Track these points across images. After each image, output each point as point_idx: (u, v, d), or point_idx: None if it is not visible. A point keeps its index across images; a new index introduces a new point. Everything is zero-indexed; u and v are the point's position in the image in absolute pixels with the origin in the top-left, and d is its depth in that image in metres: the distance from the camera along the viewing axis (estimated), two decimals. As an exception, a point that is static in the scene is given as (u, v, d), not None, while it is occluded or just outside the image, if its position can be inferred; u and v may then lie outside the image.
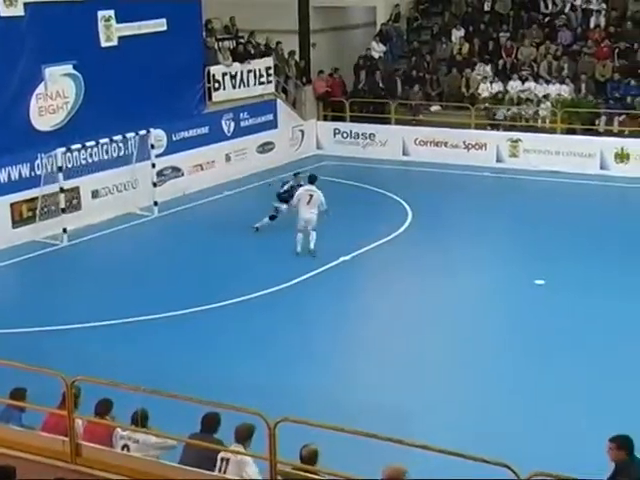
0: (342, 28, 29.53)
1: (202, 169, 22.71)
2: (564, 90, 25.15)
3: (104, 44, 20.24)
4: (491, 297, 15.08)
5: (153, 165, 20.58)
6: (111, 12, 20.24)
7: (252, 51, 24.97)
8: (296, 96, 26.71)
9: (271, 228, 18.25)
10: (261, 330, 13.62)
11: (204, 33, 23.81)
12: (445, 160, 24.13)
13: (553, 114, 24.59)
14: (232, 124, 23.78)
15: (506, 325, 13.84)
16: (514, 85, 25.95)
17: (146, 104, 20.54)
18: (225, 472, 7.61)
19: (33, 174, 18.65)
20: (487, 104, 25.75)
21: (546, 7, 28.31)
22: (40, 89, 18.92)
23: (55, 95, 19.23)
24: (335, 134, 26.38)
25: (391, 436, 6.99)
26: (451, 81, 26.96)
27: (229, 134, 23.72)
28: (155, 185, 20.60)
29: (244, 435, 7.75)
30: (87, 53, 19.64)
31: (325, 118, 27.12)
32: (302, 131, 26.08)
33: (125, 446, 8.16)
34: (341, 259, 16.61)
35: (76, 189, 19.45)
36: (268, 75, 24.95)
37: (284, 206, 17.90)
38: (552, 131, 24.34)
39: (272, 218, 18.15)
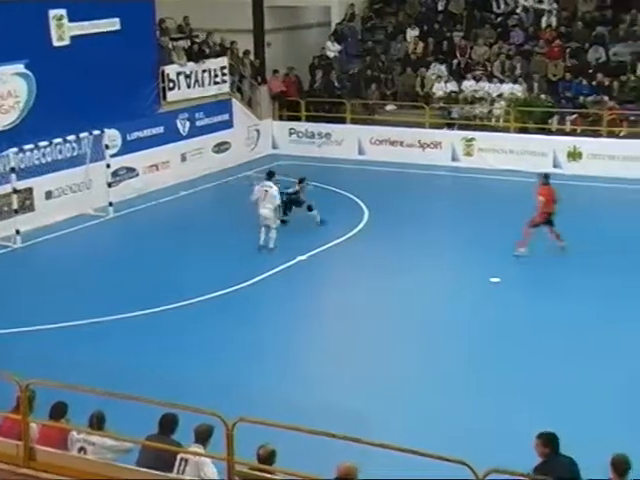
0: (297, 28, 29.54)
1: (157, 169, 22.58)
2: (517, 89, 25.45)
3: (56, 43, 20.02)
4: (447, 295, 15.19)
5: (108, 165, 20.41)
6: (63, 11, 20.03)
7: (207, 51, 24.88)
8: (251, 96, 26.65)
9: (227, 227, 18.22)
10: (217, 330, 13.58)
11: (158, 33, 23.66)
12: (401, 159, 24.25)
13: (507, 113, 24.86)
14: (187, 124, 23.67)
15: (461, 323, 13.94)
16: (468, 84, 26.18)
17: (100, 104, 20.34)
18: (183, 472, 7.58)
19: (-16, 175, 18.41)
20: (442, 103, 25.95)
21: (498, 7, 28.61)
22: (-9, 89, 18.67)
23: (6, 95, 18.97)
24: (291, 134, 26.40)
25: (349, 435, 7.01)
26: (406, 80, 27.13)
27: (184, 134, 23.60)
28: (110, 185, 20.42)
29: (203, 436, 7.74)
30: (39, 52, 19.39)
31: (281, 118, 27.11)
32: (258, 131, 26.05)
33: (82, 449, 8.09)
34: (298, 258, 16.63)
35: (29, 190, 19.21)
36: (223, 75, 24.88)
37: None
38: (506, 130, 24.59)
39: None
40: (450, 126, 25.36)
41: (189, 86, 23.85)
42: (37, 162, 19.44)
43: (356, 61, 28.26)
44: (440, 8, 29.35)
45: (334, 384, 11.76)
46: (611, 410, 10.66)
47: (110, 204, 20.09)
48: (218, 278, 15.55)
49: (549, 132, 24.22)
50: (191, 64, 23.93)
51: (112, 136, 20.80)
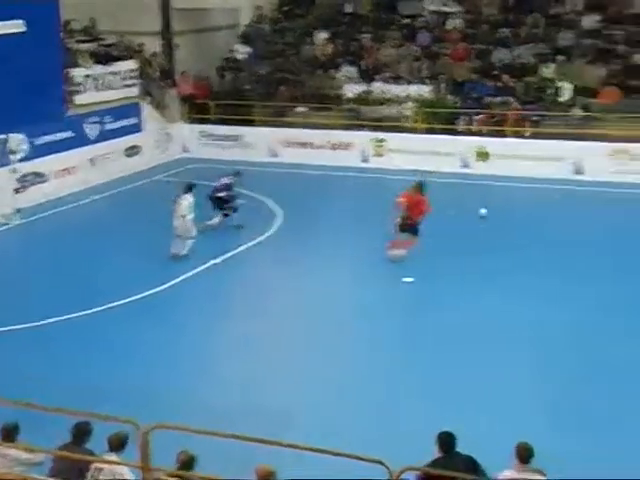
0: (205, 30, 29.40)
1: (67, 174, 22.17)
2: (424, 90, 25.86)
3: (-43, 45, 19.44)
4: (361, 295, 15.31)
5: (14, 170, 19.94)
6: (-37, 12, 19.46)
7: (114, 53, 24.55)
8: (161, 98, 26.42)
9: (140, 231, 18.04)
10: (132, 335, 13.42)
11: (63, 34, 23.19)
12: (312, 161, 24.40)
13: (415, 114, 25.24)
14: (96, 127, 23.31)
15: (376, 322, 14.07)
16: (377, 86, 26.49)
17: (4, 108, 19.80)
18: (97, 481, 7.50)
19: None
20: (352, 105, 26.19)
21: (405, 9, 29.00)
22: None
23: None
24: (201, 136, 26.27)
25: (265, 438, 7.05)
26: (316, 82, 27.28)
27: (93, 138, 23.25)
28: (17, 191, 19.96)
29: (117, 444, 7.67)
30: (-61, 55, 18.79)
31: (191, 120, 26.94)
32: (168, 134, 25.84)
33: (-7, 462, 7.91)
34: (211, 262, 16.56)
35: None
36: (131, 77, 24.60)
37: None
38: (414, 131, 24.95)
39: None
40: (360, 127, 25.61)
41: (97, 89, 23.49)
42: (-61, 168, 18.90)
43: (265, 63, 28.29)
44: (347, 10, 29.64)
45: (252, 386, 11.74)
46: (518, 406, 10.90)
47: (17, 210, 19.64)
48: (133, 282, 15.37)
49: (456, 133, 24.68)
50: (99, 67, 23.58)
51: (18, 141, 20.33)
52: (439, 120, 24.83)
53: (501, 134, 24.03)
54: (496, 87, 25.36)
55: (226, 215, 18.47)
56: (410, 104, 25.59)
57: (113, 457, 7.61)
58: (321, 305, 14.88)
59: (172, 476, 7.29)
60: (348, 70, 27.29)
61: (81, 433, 7.85)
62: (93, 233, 18.50)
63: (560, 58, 25.24)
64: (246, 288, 16.02)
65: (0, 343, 13.17)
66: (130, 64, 24.63)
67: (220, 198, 18.45)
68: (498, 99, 25.03)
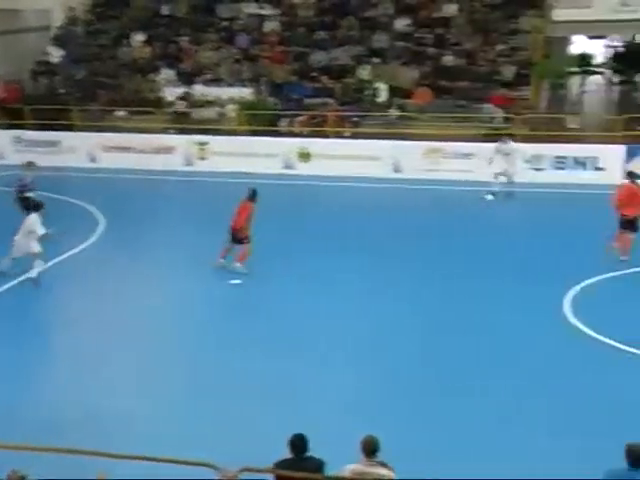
0: (14, 31, 28.24)
1: None
2: (245, 93, 25.99)
3: None
4: (190, 298, 15.19)
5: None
6: None
7: None
8: (-31, 104, 25.19)
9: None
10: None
11: None
12: (134, 165, 23.96)
13: (237, 116, 25.30)
14: None
15: (204, 325, 13.99)
16: (198, 88, 26.37)
17: None
18: None
19: None
20: (173, 108, 25.93)
21: (222, 12, 29.02)
22: None
23: None
24: (16, 143, 25.21)
25: (96, 450, 6.88)
26: (135, 85, 26.83)
27: None
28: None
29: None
30: None
31: (4, 126, 25.79)
32: (-21, 140, 24.65)
33: None
34: (25, 276, 15.77)
35: None
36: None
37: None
38: (237, 133, 25.01)
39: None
40: (182, 131, 25.39)
41: None
42: None
43: (81, 66, 27.52)
44: (164, 12, 29.33)
45: (78, 396, 11.36)
46: (353, 408, 11.15)
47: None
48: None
49: (279, 134, 24.93)
50: None
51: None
52: (261, 122, 24.99)
53: (322, 134, 24.48)
54: (315, 88, 25.85)
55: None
56: (231, 106, 25.62)
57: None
58: (146, 310, 14.62)
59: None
60: (167, 73, 27.00)
61: None
62: None
63: (375, 60, 26.02)
64: (67, 297, 15.50)
65: None
66: None
67: (27, 198, 17.69)
68: (317, 100, 25.52)
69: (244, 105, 25.32)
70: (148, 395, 11.52)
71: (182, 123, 25.51)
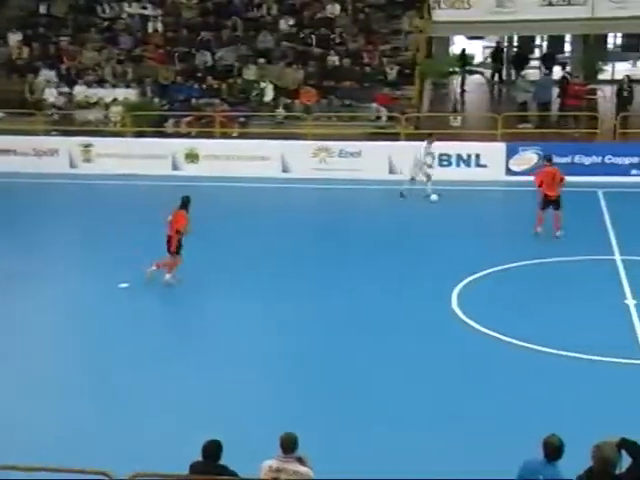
0: None
1: None
2: (130, 94, 25.61)
3: None
4: (76, 303, 14.92)
5: None
6: None
7: None
8: None
9: None
10: None
11: None
12: (16, 169, 23.21)
13: (123, 118, 24.90)
14: None
15: (90, 327, 13.80)
16: (81, 90, 25.83)
17: None
18: None
19: None
20: (55, 109, 25.31)
21: (103, 12, 28.52)
22: None
23: None
24: None
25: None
26: (13, 87, 26.03)
27: None
28: None
29: None
30: None
31: None
32: None
33: None
34: None
35: None
36: None
37: None
38: (123, 135, 24.61)
39: None
40: (65, 133, 24.79)
41: None
42: None
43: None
44: (43, 11, 28.59)
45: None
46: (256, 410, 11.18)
47: None
48: None
49: (166, 135, 24.66)
50: None
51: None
52: (148, 123, 24.67)
53: (210, 135, 24.35)
54: (201, 89, 25.69)
55: None
56: (116, 108, 25.21)
57: None
58: (37, 314, 14.30)
59: None
60: (47, 74, 26.33)
61: None
62: None
63: (261, 60, 26.06)
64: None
65: None
66: None
67: None
68: (204, 101, 25.38)
69: (129, 106, 24.94)
70: (32, 400, 11.26)
71: (65, 125, 24.91)
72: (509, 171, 22.43)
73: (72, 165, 23.97)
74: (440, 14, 25.51)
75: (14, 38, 27.43)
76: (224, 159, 23.50)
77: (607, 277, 15.30)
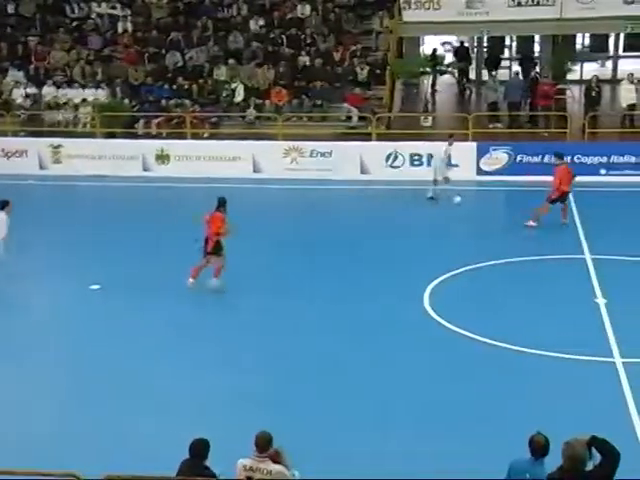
0: None
1: None
2: (100, 94, 25.46)
3: None
4: (47, 305, 14.80)
5: None
6: None
7: None
8: None
9: None
10: None
11: None
12: (-16, 170, 23.01)
13: (92, 119, 24.74)
14: None
15: (64, 331, 13.70)
16: (49, 90, 25.63)
17: None
18: None
19: None
20: (23, 110, 25.08)
21: (72, 11, 28.32)
22: None
23: None
24: None
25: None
26: (-20, 87, 25.81)
27: None
28: None
29: None
30: None
31: None
32: None
33: None
34: None
35: None
36: None
37: None
38: (93, 136, 24.44)
39: None
40: (35, 133, 24.58)
41: None
42: None
43: None
44: (10, 11, 28.34)
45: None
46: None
47: None
48: None
49: (136, 136, 24.53)
50: None
51: None
52: (118, 124, 24.52)
53: (181, 136, 24.24)
54: (172, 90, 25.58)
55: None
56: (86, 109, 25.04)
57: None
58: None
59: None
60: (15, 74, 26.11)
61: None
62: None
63: (231, 61, 25.99)
64: None
65: None
66: None
67: None
68: (175, 101, 25.27)
69: (99, 107, 24.78)
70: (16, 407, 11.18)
71: (34, 126, 24.70)
72: (480, 171, 22.55)
73: (42, 166, 23.78)
74: (410, 14, 25.57)
75: (-20, 38, 27.17)
76: (195, 160, 23.42)
77: (577, 276, 15.42)
